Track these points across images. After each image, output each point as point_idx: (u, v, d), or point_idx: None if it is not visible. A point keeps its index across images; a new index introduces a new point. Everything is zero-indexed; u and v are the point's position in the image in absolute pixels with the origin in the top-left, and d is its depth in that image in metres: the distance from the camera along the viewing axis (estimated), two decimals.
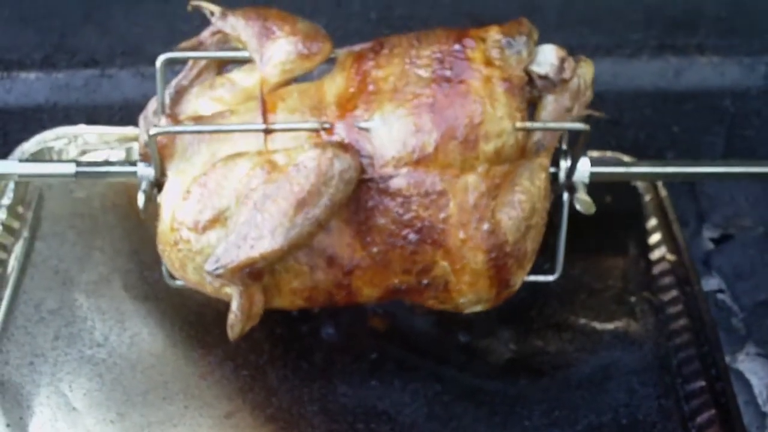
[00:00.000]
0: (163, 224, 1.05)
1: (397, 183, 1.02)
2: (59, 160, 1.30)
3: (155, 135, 1.03)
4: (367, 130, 1.02)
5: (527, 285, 1.19)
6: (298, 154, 0.99)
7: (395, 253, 1.04)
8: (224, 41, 1.10)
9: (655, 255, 1.29)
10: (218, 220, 1.01)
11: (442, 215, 1.03)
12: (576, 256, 1.26)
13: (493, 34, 1.06)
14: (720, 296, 1.37)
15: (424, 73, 1.03)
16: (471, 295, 1.08)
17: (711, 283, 1.38)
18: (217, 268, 0.98)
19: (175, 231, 1.03)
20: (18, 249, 1.24)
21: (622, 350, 1.19)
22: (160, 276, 1.19)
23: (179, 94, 1.09)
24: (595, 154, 1.32)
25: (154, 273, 1.21)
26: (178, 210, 1.02)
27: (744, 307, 1.35)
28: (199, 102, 1.08)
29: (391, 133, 1.02)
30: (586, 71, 1.10)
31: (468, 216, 1.03)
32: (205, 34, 1.10)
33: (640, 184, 1.35)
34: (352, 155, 1.00)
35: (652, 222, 1.32)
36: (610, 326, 1.22)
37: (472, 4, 1.40)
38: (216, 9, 1.09)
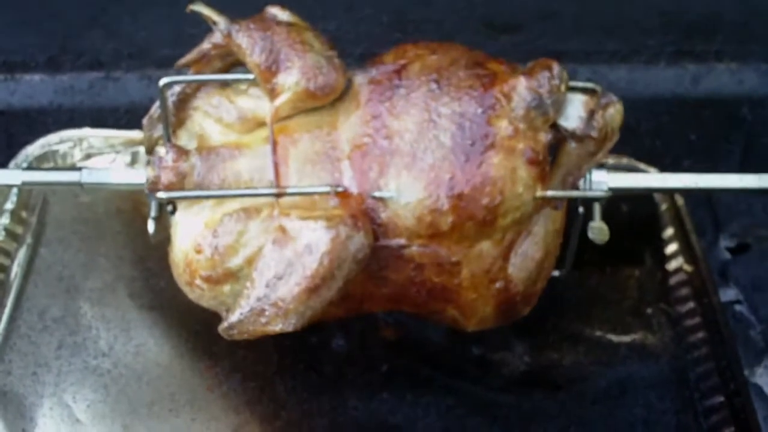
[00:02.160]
0: (177, 258, 1.04)
1: (410, 252, 1.01)
2: (65, 168, 1.28)
3: (165, 199, 1.01)
4: (381, 199, 1.00)
5: (542, 297, 1.16)
6: (310, 230, 0.96)
7: (407, 298, 1.05)
8: (228, 53, 1.05)
9: (672, 265, 1.27)
10: (231, 276, 1.01)
11: (455, 281, 1.03)
12: (591, 266, 1.25)
13: (521, 89, 0.99)
14: (737, 308, 1.34)
15: (443, 137, 0.98)
16: (478, 327, 1.10)
17: (728, 294, 1.35)
18: (231, 334, 1.01)
19: (188, 274, 1.02)
20: (21, 255, 1.22)
21: (639, 363, 1.17)
22: (166, 284, 1.17)
23: (183, 102, 1.06)
24: (610, 161, 1.29)
25: (160, 281, 1.20)
26: (190, 259, 1.01)
27: (762, 319, 1.33)
28: (205, 124, 1.05)
29: (406, 208, 0.99)
30: (614, 115, 1.04)
31: (480, 279, 1.04)
32: (207, 47, 1.06)
33: (655, 194, 1.33)
34: (365, 233, 0.98)
35: (669, 232, 1.30)
36: (626, 339, 1.19)
37: (486, 8, 1.37)
38: (220, 20, 1.03)
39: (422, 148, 0.98)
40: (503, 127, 0.99)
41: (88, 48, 1.42)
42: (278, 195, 0.99)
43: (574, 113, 1.02)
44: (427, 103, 0.99)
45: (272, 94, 1.00)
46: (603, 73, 1.45)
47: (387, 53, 1.06)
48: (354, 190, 1.00)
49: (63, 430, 1.06)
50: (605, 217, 1.10)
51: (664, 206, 1.33)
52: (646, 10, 1.41)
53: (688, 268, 1.25)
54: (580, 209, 1.10)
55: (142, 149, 1.30)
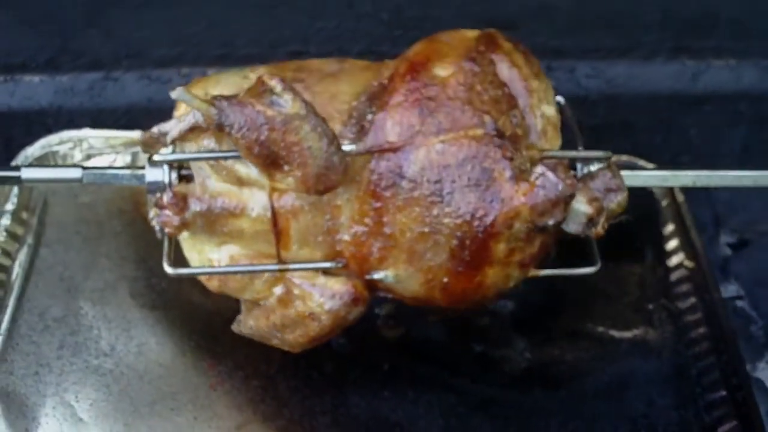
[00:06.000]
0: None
1: (404, 301, 1.08)
2: (65, 165, 1.28)
3: (176, 275, 1.04)
4: (380, 280, 1.04)
5: (542, 293, 1.17)
6: (313, 302, 1.02)
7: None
8: None
9: (673, 261, 1.27)
10: (240, 299, 1.08)
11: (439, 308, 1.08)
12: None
13: (524, 215, 0.98)
14: (738, 303, 1.35)
15: (442, 246, 0.99)
16: None
17: (729, 289, 1.36)
18: (241, 333, 1.09)
19: (201, 282, 1.08)
20: (22, 256, 1.22)
21: (640, 359, 1.17)
22: (167, 284, 1.17)
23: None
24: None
25: (162, 281, 1.19)
26: (201, 278, 1.07)
27: (763, 314, 1.33)
28: (203, 167, 1.02)
29: (404, 291, 1.04)
30: (615, 209, 1.04)
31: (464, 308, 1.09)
32: (198, 124, 0.99)
33: (656, 189, 1.33)
34: (362, 304, 1.04)
35: (669, 228, 1.30)
36: (627, 334, 1.19)
37: (484, 4, 1.37)
38: (210, 114, 0.94)
39: (421, 249, 1.00)
40: (502, 248, 1.00)
41: (87, 49, 1.41)
42: (281, 270, 1.03)
43: (576, 221, 1.02)
44: (429, 210, 0.98)
45: (270, 178, 0.98)
46: (601, 69, 1.45)
47: (393, 95, 1.00)
48: (354, 265, 1.02)
49: (65, 429, 1.06)
50: None
51: (664, 202, 1.32)
52: (645, 6, 1.41)
53: (689, 264, 1.25)
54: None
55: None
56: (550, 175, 0.98)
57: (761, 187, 1.15)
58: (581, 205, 1.01)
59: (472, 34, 1.06)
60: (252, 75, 1.05)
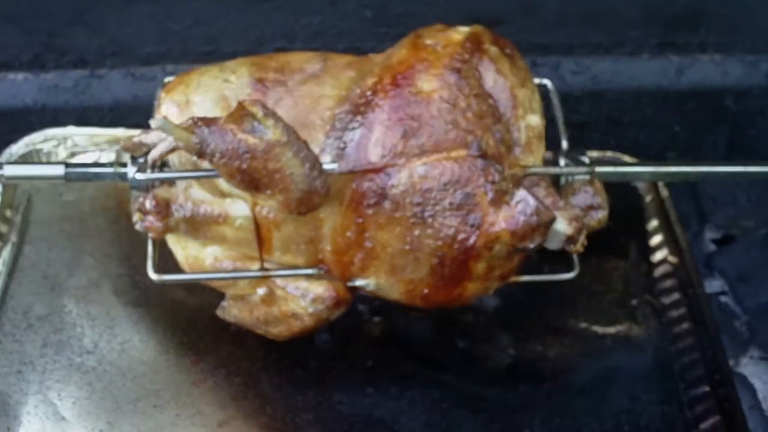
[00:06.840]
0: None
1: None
2: (48, 163, 1.27)
3: (161, 281, 1.05)
4: (361, 286, 1.05)
5: (526, 289, 1.17)
6: (296, 305, 1.04)
7: None
8: None
9: (657, 257, 1.27)
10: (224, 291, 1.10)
11: None
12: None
13: (505, 240, 0.98)
14: (722, 299, 1.35)
15: (423, 263, 1.00)
16: None
17: (713, 285, 1.36)
18: (225, 319, 1.10)
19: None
20: (6, 253, 1.22)
21: (624, 355, 1.17)
22: (151, 281, 1.17)
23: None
24: (595, 154, 1.30)
25: (146, 278, 1.17)
26: (187, 271, 1.09)
27: (747, 310, 1.33)
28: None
29: (385, 296, 1.06)
30: (593, 226, 1.07)
31: None
32: (177, 147, 0.98)
33: (640, 185, 1.33)
34: (345, 305, 1.05)
35: (654, 223, 1.30)
36: (611, 330, 1.20)
37: (469, 1, 1.37)
38: (191, 144, 0.93)
39: (402, 263, 1.01)
40: (481, 267, 1.01)
41: (72, 46, 1.41)
42: (264, 277, 1.04)
43: (556, 240, 1.03)
44: (411, 230, 0.99)
45: (252, 198, 0.99)
46: (587, 65, 1.45)
47: (375, 111, 1.00)
48: (336, 272, 1.04)
49: (48, 427, 1.06)
50: None
51: (648, 198, 1.32)
52: (630, 2, 1.41)
53: (673, 259, 1.25)
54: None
55: None
56: (530, 200, 0.98)
57: (747, 182, 1.15)
58: (562, 226, 1.02)
59: (457, 36, 1.05)
60: (233, 77, 1.05)
